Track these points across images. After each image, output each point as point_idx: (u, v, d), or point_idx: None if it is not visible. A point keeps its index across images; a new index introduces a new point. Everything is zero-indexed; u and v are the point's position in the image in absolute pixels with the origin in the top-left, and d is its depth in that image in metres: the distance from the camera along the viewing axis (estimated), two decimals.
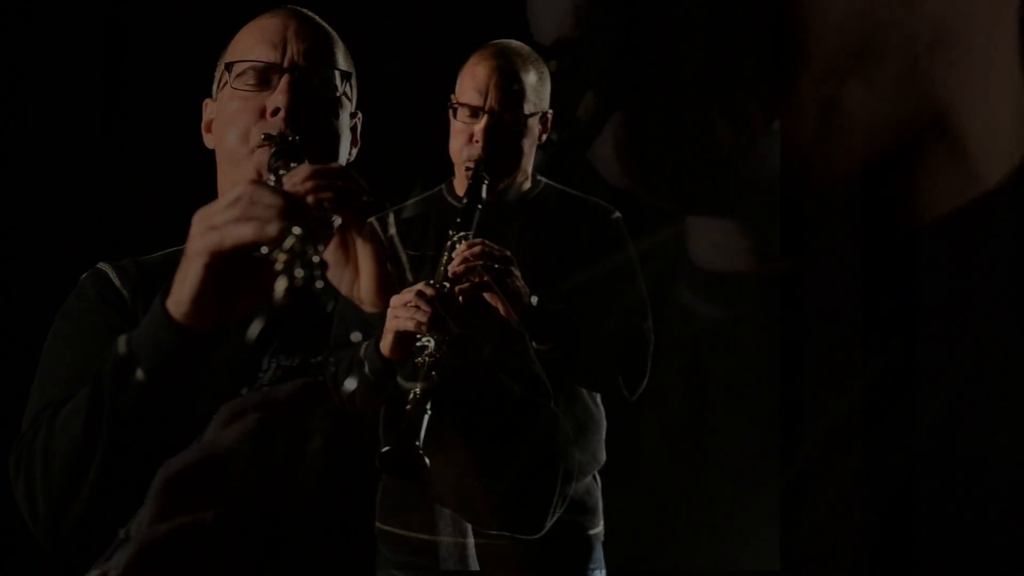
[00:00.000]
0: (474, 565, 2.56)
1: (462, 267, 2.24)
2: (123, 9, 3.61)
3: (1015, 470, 3.63)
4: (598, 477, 2.81)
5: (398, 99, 3.23)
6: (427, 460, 1.44)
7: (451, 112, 2.66)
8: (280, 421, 1.49)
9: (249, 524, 1.45)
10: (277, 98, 1.64)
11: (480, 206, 2.47)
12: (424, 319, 1.49)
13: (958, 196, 3.67)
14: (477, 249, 2.31)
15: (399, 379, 1.50)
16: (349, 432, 1.51)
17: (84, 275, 1.72)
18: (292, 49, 1.67)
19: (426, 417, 1.47)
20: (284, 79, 1.65)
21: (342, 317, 1.61)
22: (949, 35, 3.65)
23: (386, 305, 1.51)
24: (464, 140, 2.62)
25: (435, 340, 1.51)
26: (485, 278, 2.24)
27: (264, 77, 1.67)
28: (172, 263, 1.47)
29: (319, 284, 1.27)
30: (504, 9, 3.56)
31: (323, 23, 1.75)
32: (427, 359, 1.50)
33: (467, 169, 2.58)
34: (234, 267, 1.39)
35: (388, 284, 1.52)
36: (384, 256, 1.51)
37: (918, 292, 3.74)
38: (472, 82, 2.62)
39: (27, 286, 3.30)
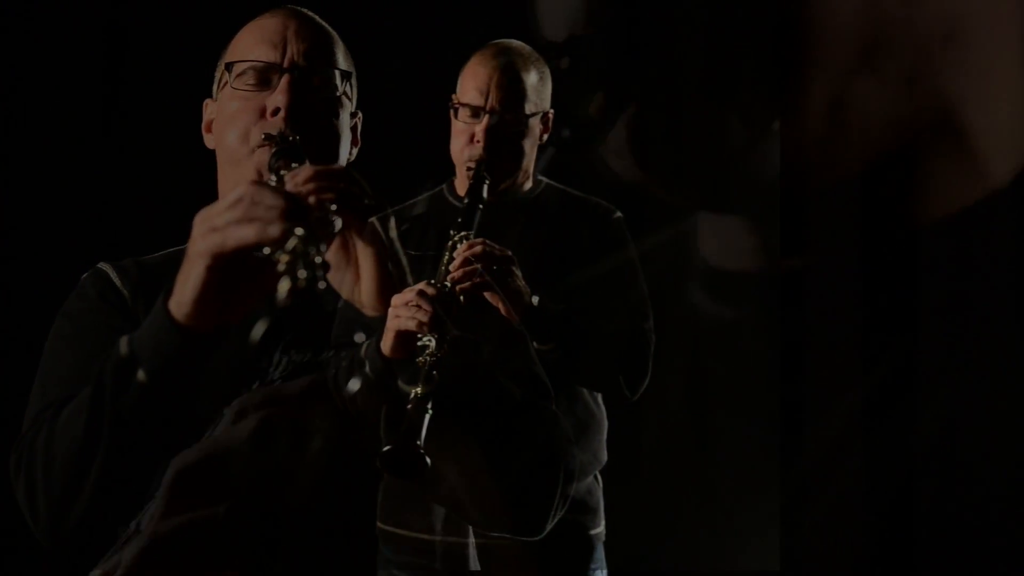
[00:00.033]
0: (475, 565, 2.57)
1: (463, 267, 2.24)
2: (123, 9, 3.61)
3: (1015, 470, 3.63)
4: (599, 477, 2.81)
5: (399, 99, 3.23)
6: (428, 460, 1.44)
7: (452, 112, 2.65)
8: (289, 418, 1.49)
9: (256, 521, 1.45)
10: (277, 98, 1.64)
11: (481, 206, 2.47)
12: (425, 319, 1.49)
13: (960, 196, 3.67)
14: (478, 249, 2.31)
15: (399, 380, 1.50)
16: (350, 432, 1.51)
17: (85, 275, 1.72)
18: (292, 49, 1.67)
19: (427, 417, 1.47)
20: (284, 79, 1.65)
21: (343, 317, 1.61)
22: (955, 33, 3.64)
23: (386, 308, 1.50)
24: (465, 140, 2.62)
25: (436, 340, 1.50)
26: (486, 278, 2.24)
27: (264, 77, 1.67)
28: (173, 263, 1.47)
29: (321, 285, 1.27)
30: (505, 9, 3.56)
31: (323, 23, 1.74)
32: (428, 359, 1.50)
33: (468, 169, 2.58)
34: (236, 268, 1.39)
35: (389, 287, 1.52)
36: (385, 258, 1.51)
37: (918, 292, 3.74)
38: (473, 82, 2.62)
39: (27, 286, 3.30)
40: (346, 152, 1.74)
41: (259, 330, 1.31)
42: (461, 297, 2.11)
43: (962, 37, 3.64)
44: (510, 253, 2.40)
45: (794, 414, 3.88)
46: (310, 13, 1.74)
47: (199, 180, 1.85)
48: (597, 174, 3.74)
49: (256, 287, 1.41)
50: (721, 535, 3.96)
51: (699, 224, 3.96)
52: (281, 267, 1.28)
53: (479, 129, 2.59)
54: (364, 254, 1.51)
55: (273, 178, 1.53)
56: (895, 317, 3.74)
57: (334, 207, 1.42)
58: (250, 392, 1.54)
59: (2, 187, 3.48)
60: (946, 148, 3.69)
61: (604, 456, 2.79)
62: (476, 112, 2.61)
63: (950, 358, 3.69)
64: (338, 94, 1.70)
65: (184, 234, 1.43)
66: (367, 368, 1.50)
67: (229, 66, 1.69)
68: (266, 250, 1.32)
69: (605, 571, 2.78)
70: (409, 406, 1.47)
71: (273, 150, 1.60)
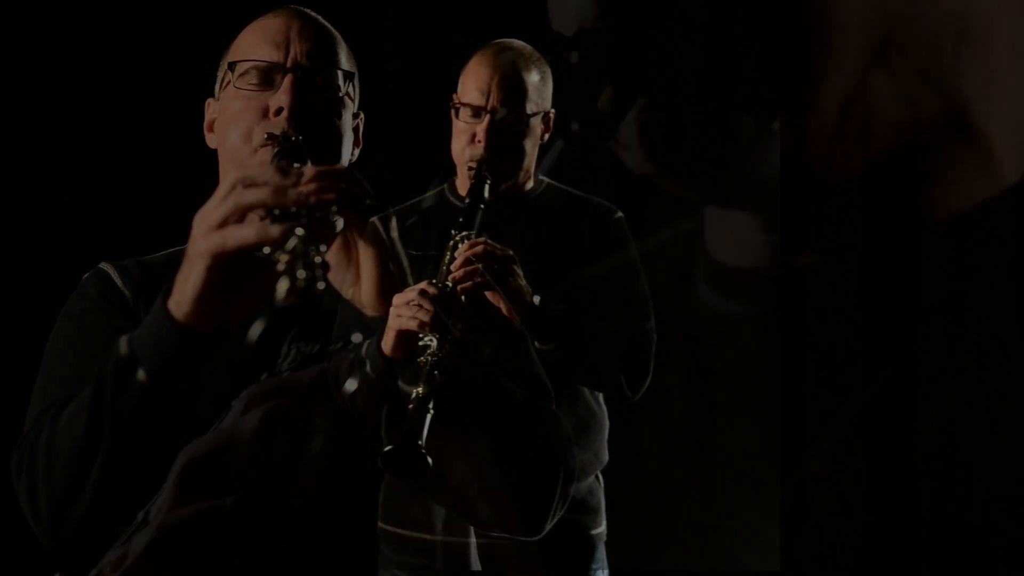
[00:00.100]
0: (476, 565, 2.56)
1: (464, 267, 2.24)
2: (123, 9, 3.61)
3: (1015, 470, 3.64)
4: (601, 477, 2.81)
5: (400, 99, 3.24)
6: (429, 460, 1.44)
7: (453, 112, 2.65)
8: (293, 414, 1.49)
9: (259, 519, 1.45)
10: (280, 98, 1.64)
11: (482, 206, 2.47)
12: (426, 318, 1.49)
13: (963, 196, 3.67)
14: (479, 249, 2.31)
15: (400, 380, 1.50)
16: (351, 432, 1.51)
17: (86, 275, 1.72)
18: (295, 49, 1.67)
19: (428, 417, 1.47)
20: (287, 79, 1.65)
21: (343, 317, 1.61)
22: (967, 32, 3.64)
23: (387, 309, 1.50)
24: (466, 140, 2.62)
25: (437, 339, 1.50)
26: (487, 278, 2.24)
27: (267, 77, 1.67)
28: (174, 263, 1.47)
29: (321, 285, 1.27)
30: (506, 9, 3.56)
31: (326, 23, 1.74)
32: (429, 358, 1.50)
33: (469, 169, 2.58)
34: (236, 268, 1.39)
35: (389, 287, 1.51)
36: (386, 259, 1.51)
37: (919, 292, 3.74)
38: (474, 82, 2.61)
39: (28, 286, 3.31)
40: (348, 152, 1.74)
41: (256, 330, 1.31)
42: (462, 297, 2.11)
43: (971, 35, 3.64)
44: (511, 253, 2.39)
45: (794, 414, 3.88)
46: (313, 13, 1.74)
47: (200, 180, 1.85)
48: (598, 174, 3.74)
49: (256, 287, 1.41)
50: (721, 535, 3.96)
51: (705, 220, 3.95)
52: (281, 267, 1.28)
53: (480, 129, 2.59)
54: (365, 254, 1.51)
55: None
56: (896, 317, 3.74)
57: (335, 207, 1.42)
58: (259, 383, 1.54)
59: (2, 187, 3.48)
60: (950, 148, 3.69)
61: (605, 456, 2.79)
62: (477, 112, 2.60)
63: (951, 358, 3.69)
64: (341, 94, 1.70)
65: (185, 234, 1.43)
66: (368, 368, 1.50)
67: (232, 65, 1.69)
68: (266, 250, 1.32)
69: (606, 571, 2.78)
70: (410, 406, 1.47)
71: (276, 150, 1.60)
